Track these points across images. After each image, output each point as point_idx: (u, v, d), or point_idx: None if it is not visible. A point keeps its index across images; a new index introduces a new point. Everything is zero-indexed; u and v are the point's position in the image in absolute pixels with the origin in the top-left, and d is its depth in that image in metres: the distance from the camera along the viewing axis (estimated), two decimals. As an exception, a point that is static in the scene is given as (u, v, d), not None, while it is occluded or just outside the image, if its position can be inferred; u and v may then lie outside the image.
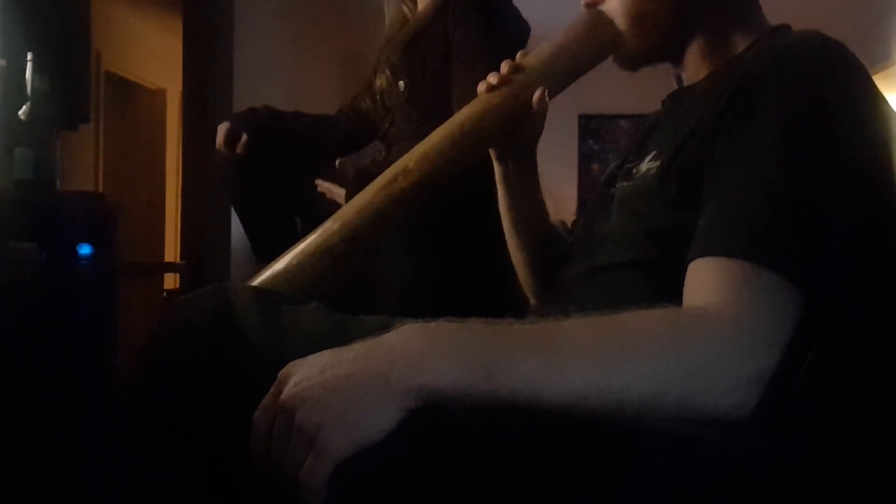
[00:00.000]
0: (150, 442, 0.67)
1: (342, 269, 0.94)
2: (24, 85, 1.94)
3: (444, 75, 1.61)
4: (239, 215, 1.84)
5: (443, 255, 1.61)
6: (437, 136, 0.94)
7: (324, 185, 1.69)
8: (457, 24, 1.59)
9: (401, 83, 1.65)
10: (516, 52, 0.95)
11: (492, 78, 0.92)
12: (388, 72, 1.67)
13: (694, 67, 0.88)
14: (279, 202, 1.73)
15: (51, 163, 1.98)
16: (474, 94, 0.94)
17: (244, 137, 1.65)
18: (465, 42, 1.57)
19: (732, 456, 0.58)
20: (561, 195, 5.68)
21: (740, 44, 0.84)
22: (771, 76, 0.71)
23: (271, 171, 1.70)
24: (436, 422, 0.55)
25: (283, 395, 0.57)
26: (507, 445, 0.54)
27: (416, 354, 0.58)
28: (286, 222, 1.74)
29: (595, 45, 0.92)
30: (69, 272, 1.97)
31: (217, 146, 1.69)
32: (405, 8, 1.76)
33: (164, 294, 4.71)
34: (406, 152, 0.97)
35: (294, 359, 0.61)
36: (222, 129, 1.68)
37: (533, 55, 0.93)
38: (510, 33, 1.61)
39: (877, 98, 0.71)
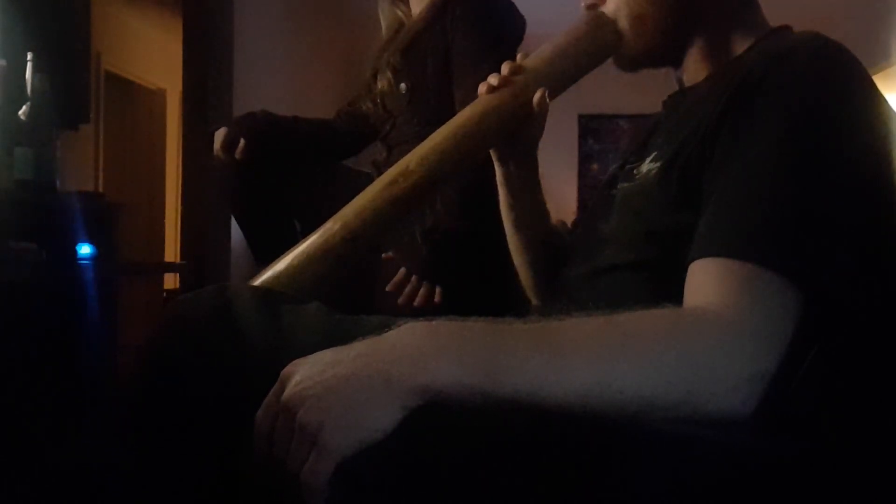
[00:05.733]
0: (150, 442, 0.67)
1: (343, 269, 0.94)
2: (24, 85, 1.94)
3: (446, 77, 1.61)
4: (238, 221, 1.84)
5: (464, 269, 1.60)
6: (438, 138, 0.94)
7: None
8: (456, 25, 1.59)
9: (402, 86, 1.66)
10: (515, 50, 0.96)
11: (492, 79, 0.92)
12: (389, 74, 1.68)
13: (694, 69, 0.88)
14: (278, 206, 1.73)
15: (51, 163, 1.98)
16: (476, 95, 0.94)
17: (242, 142, 1.65)
18: (466, 43, 1.58)
19: (732, 456, 0.58)
20: (561, 195, 5.68)
21: (741, 45, 0.84)
22: (771, 77, 0.71)
23: (270, 175, 1.70)
24: (437, 421, 0.55)
25: (285, 394, 0.57)
26: (507, 445, 0.54)
27: (418, 353, 0.58)
28: (285, 227, 1.74)
29: (595, 46, 0.92)
30: (69, 272, 1.97)
31: (215, 152, 1.69)
32: (399, 11, 1.76)
33: (164, 294, 4.72)
34: (407, 153, 0.97)
35: (294, 359, 0.61)
36: (220, 134, 1.68)
37: (533, 56, 0.94)
38: (509, 31, 1.62)
39: (877, 99, 0.71)
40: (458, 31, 1.59)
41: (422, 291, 1.51)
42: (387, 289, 1.51)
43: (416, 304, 1.50)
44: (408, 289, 1.51)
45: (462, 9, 1.60)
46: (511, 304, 0.83)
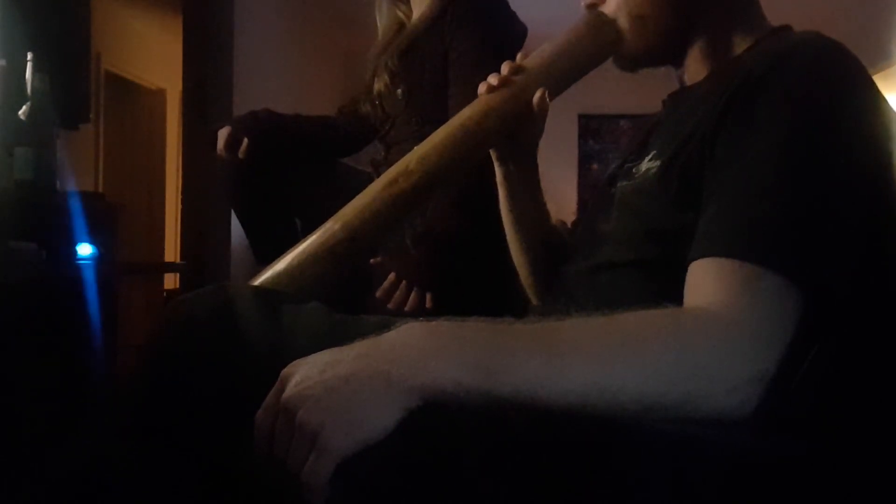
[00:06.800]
0: (150, 442, 0.67)
1: (343, 269, 0.94)
2: (24, 85, 1.94)
3: (443, 81, 1.61)
4: (239, 218, 1.84)
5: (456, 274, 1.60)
6: (438, 138, 0.94)
7: None
8: (454, 31, 1.58)
9: (399, 90, 1.66)
10: (514, 56, 0.95)
11: (492, 79, 0.92)
12: (386, 77, 1.67)
13: (695, 68, 0.88)
14: (279, 205, 1.73)
15: (51, 163, 1.98)
16: (469, 101, 0.94)
17: (245, 142, 1.65)
18: (463, 49, 1.57)
19: (732, 456, 0.58)
20: (561, 195, 5.68)
21: (741, 44, 0.84)
22: (771, 77, 0.71)
23: (272, 174, 1.70)
24: (436, 421, 0.55)
25: (285, 395, 0.57)
26: (507, 445, 0.54)
27: (417, 353, 0.58)
28: (286, 224, 1.74)
29: (595, 46, 0.92)
30: (69, 272, 1.97)
31: (218, 151, 1.69)
32: (399, 12, 1.76)
33: (164, 294, 4.72)
34: (406, 153, 0.97)
35: (294, 358, 0.61)
36: (223, 133, 1.68)
37: (533, 56, 0.94)
38: (508, 39, 1.61)
39: (877, 99, 0.71)
40: (455, 36, 1.59)
41: (412, 298, 1.49)
42: (377, 294, 1.50)
43: (406, 309, 1.48)
44: (397, 294, 1.50)
45: (461, 13, 1.59)
46: (510, 304, 0.83)
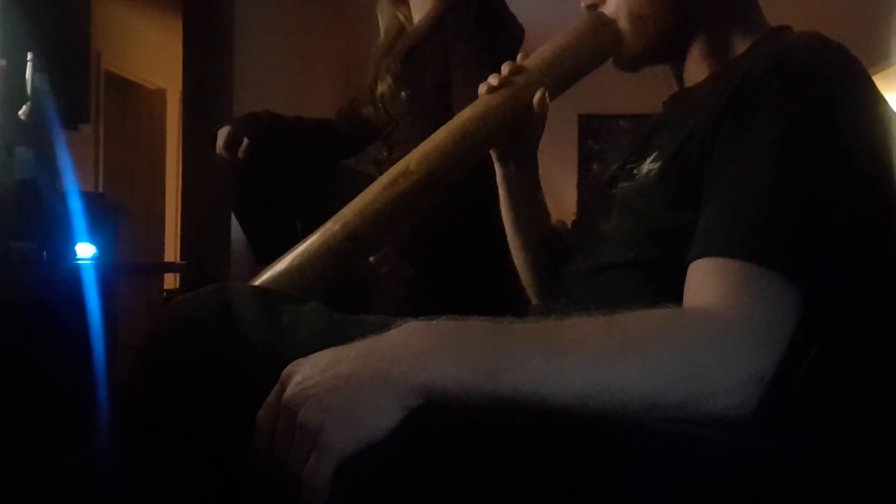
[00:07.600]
0: (151, 442, 0.67)
1: (343, 269, 0.94)
2: (24, 85, 1.94)
3: (445, 83, 1.62)
4: (239, 219, 1.84)
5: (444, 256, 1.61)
6: (439, 138, 0.94)
7: None
8: (456, 35, 1.59)
9: (403, 93, 1.66)
10: (513, 57, 0.96)
11: (492, 79, 0.92)
12: (389, 80, 1.68)
13: (694, 68, 0.88)
14: (280, 205, 1.74)
15: (51, 163, 1.98)
16: (472, 102, 0.94)
17: (245, 142, 1.65)
18: (464, 51, 1.58)
19: (732, 456, 0.58)
20: (561, 195, 5.68)
21: (740, 45, 0.85)
22: (770, 77, 0.71)
23: (272, 174, 1.70)
24: (437, 420, 0.55)
25: (286, 395, 0.58)
26: (508, 444, 0.54)
27: (418, 352, 0.58)
28: (286, 225, 1.74)
29: (595, 46, 0.92)
30: (69, 272, 1.97)
31: (218, 150, 1.69)
32: (399, 14, 1.76)
33: (164, 294, 4.72)
34: (408, 153, 0.97)
35: (294, 358, 0.61)
36: (223, 133, 1.68)
37: (533, 56, 0.94)
38: (507, 42, 1.62)
39: (876, 99, 0.71)
40: (456, 39, 1.59)
41: (392, 262, 1.51)
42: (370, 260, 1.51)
43: (383, 271, 1.50)
44: (380, 257, 1.51)
45: (460, 18, 1.60)
46: (511, 304, 0.83)
